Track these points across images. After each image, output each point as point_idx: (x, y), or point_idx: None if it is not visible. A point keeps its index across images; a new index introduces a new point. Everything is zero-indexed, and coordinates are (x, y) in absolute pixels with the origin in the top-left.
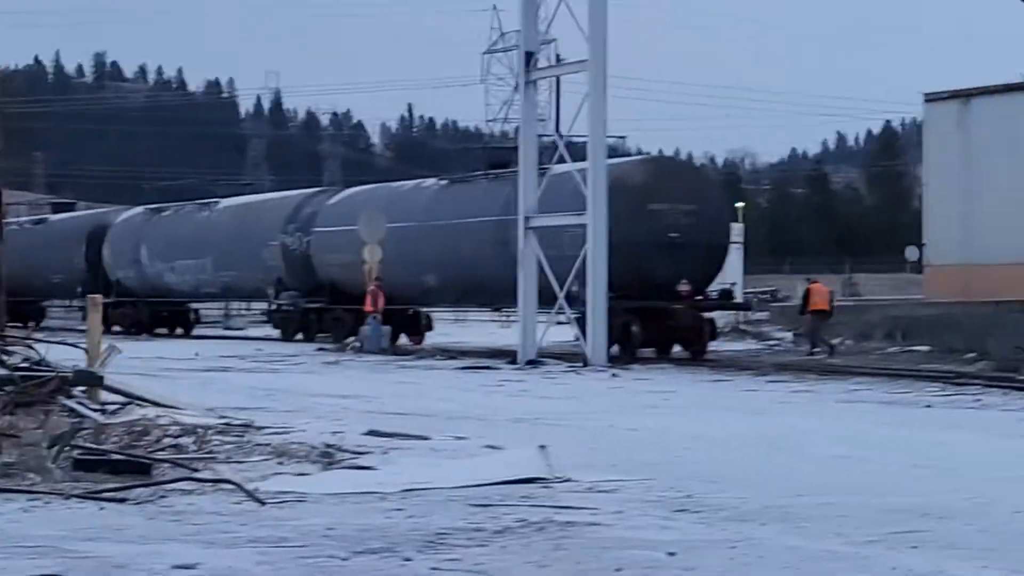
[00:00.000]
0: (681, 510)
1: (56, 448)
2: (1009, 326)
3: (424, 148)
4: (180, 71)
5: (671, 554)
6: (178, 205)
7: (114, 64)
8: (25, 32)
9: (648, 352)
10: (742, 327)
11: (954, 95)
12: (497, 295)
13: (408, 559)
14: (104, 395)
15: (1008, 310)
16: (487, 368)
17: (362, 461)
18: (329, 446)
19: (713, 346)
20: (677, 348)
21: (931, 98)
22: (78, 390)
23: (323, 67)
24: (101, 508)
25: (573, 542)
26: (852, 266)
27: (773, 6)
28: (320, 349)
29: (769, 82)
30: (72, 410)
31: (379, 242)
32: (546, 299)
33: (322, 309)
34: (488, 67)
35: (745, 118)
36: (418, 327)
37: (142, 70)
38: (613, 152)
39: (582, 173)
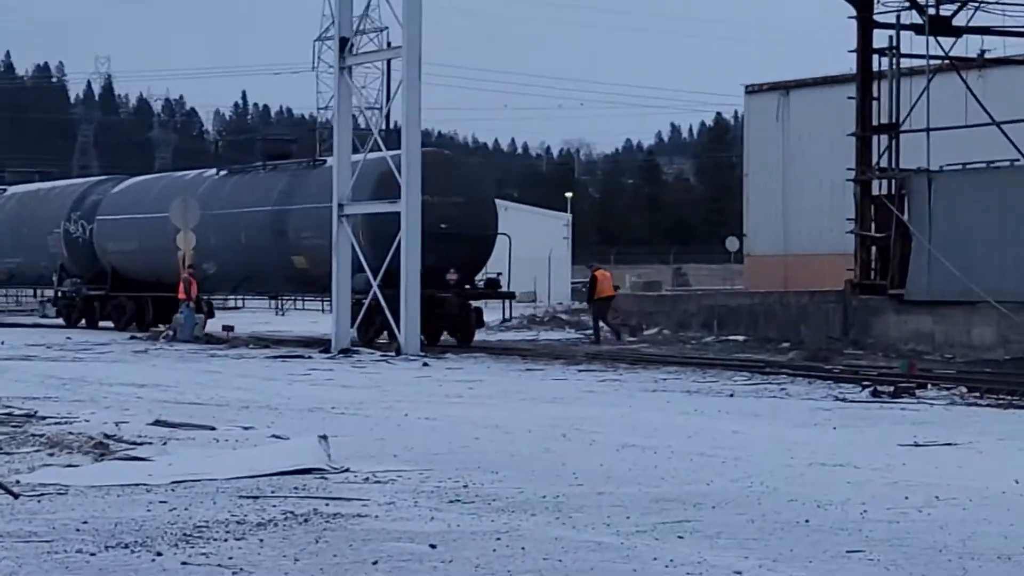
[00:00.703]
0: (454, 501)
1: None
2: (822, 316)
3: (258, 135)
4: (8, 55)
5: (432, 546)
6: None
7: None
8: None
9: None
10: (560, 316)
11: (774, 87)
12: (273, 283)
13: (159, 554)
14: None
15: (822, 300)
16: (298, 357)
17: (138, 452)
18: (108, 437)
19: (531, 335)
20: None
21: (752, 90)
22: None
23: (156, 53)
24: None
25: (335, 535)
26: (676, 256)
27: None
28: (133, 337)
29: (606, 74)
30: None
31: (192, 228)
32: (320, 288)
33: (104, 296)
34: (319, 54)
35: (581, 109)
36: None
37: None
38: (449, 142)
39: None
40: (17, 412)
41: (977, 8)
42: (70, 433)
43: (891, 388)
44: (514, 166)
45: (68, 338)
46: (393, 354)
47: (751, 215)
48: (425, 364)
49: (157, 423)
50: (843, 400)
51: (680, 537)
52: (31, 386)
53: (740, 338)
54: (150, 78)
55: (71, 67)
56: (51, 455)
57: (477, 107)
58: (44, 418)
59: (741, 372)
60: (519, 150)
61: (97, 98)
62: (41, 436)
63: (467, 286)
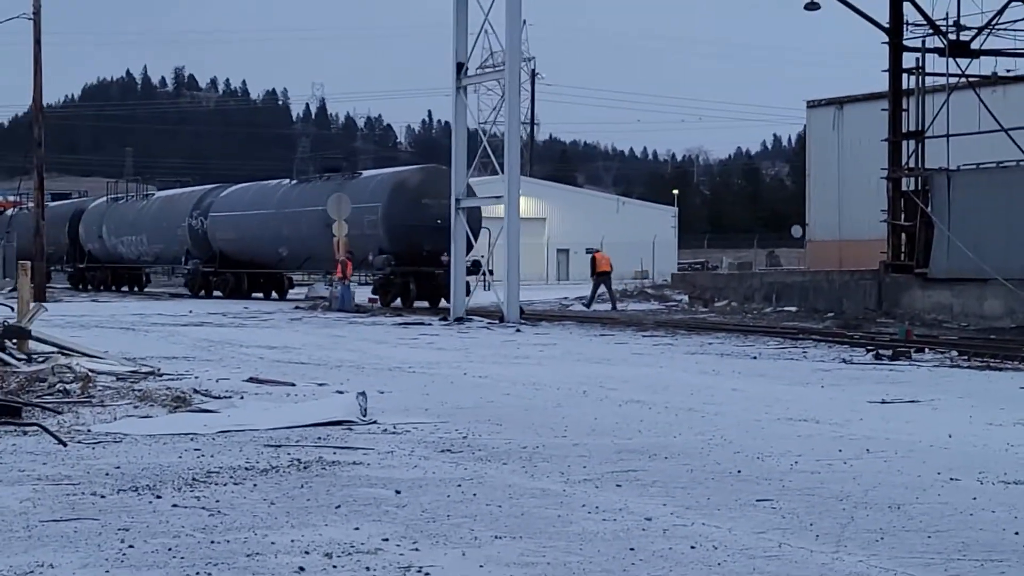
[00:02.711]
0: (444, 450)
1: None
2: (861, 290)
3: (441, 146)
4: (244, 82)
5: (397, 492)
6: (131, 195)
7: (190, 76)
8: (120, 48)
9: (423, 304)
10: (647, 291)
11: (830, 102)
12: (322, 263)
13: (159, 496)
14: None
15: (860, 277)
16: (420, 324)
17: (211, 405)
18: (197, 391)
19: (620, 306)
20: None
21: (812, 104)
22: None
23: (361, 78)
24: None
25: (322, 480)
26: (761, 242)
27: (728, 28)
28: (297, 307)
29: (720, 91)
30: None
31: (345, 219)
32: (353, 267)
33: (214, 272)
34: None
35: (701, 122)
36: (282, 286)
37: (213, 81)
38: (592, 150)
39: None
40: (144, 370)
41: (990, 33)
42: (168, 388)
43: (890, 352)
44: (643, 169)
45: (245, 308)
46: (497, 322)
47: (812, 207)
48: (517, 330)
49: (251, 379)
50: (847, 362)
51: (619, 485)
52: (183, 347)
53: (793, 309)
54: (356, 99)
55: (293, 91)
56: (136, 408)
57: (616, 121)
58: (163, 375)
59: (776, 338)
60: (649, 156)
61: (313, 116)
62: (140, 391)
63: None
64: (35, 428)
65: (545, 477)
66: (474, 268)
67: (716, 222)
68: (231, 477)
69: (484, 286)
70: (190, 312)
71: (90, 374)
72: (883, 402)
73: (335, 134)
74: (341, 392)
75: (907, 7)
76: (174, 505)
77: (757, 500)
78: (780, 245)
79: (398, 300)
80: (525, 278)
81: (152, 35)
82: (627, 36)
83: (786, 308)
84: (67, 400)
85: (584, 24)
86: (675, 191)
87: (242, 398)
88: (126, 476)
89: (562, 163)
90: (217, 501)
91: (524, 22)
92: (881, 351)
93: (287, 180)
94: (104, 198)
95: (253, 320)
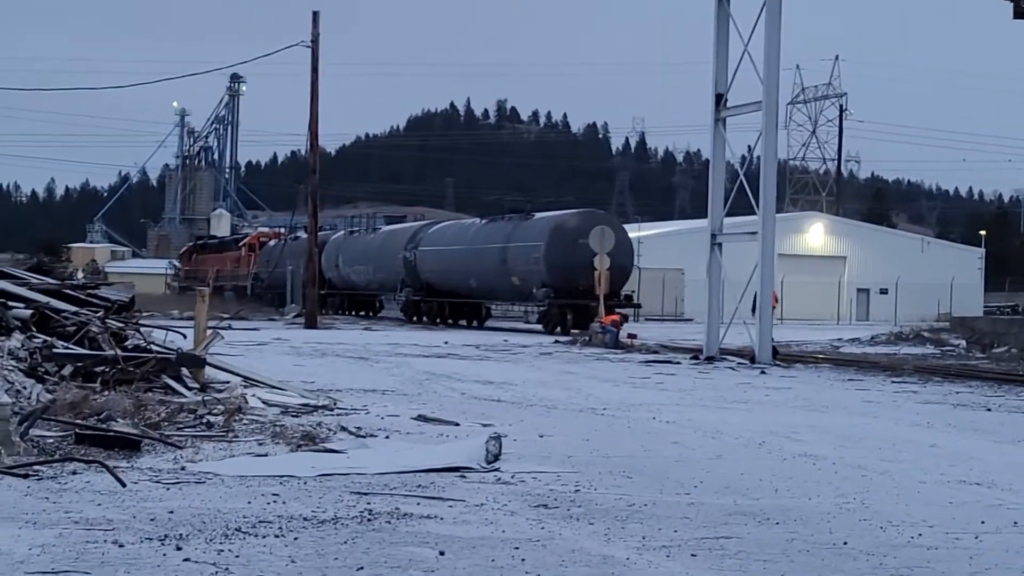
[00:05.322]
0: (541, 505)
1: (26, 423)
2: None
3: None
4: (565, 116)
5: (441, 553)
6: (363, 228)
7: (512, 109)
8: (444, 82)
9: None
10: (924, 333)
11: None
12: (501, 295)
13: (180, 548)
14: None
15: None
16: (667, 362)
17: (343, 444)
18: (344, 428)
19: (893, 349)
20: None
21: None
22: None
23: (680, 112)
24: None
25: (373, 536)
26: None
27: None
28: (556, 341)
29: None
30: (168, 387)
31: (608, 253)
32: (525, 297)
33: (421, 300)
34: (790, 116)
35: None
36: (479, 315)
37: (535, 114)
38: (915, 188)
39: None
40: (320, 403)
41: None
42: (319, 424)
43: None
44: (966, 209)
45: (505, 340)
46: (747, 362)
47: None
48: (763, 372)
49: (419, 417)
50: None
51: (693, 555)
52: (396, 380)
53: None
54: (675, 134)
55: (614, 125)
56: (260, 444)
57: (941, 160)
58: (333, 410)
59: None
60: (975, 196)
61: (632, 150)
62: (281, 426)
63: (615, 299)
64: (123, 460)
65: (621, 541)
66: (626, 301)
67: None
68: (279, 528)
69: (634, 318)
70: (445, 343)
71: (241, 406)
72: None
73: (653, 168)
74: (497, 435)
75: None
76: (186, 559)
77: None
78: None
79: (558, 328)
80: (816, 317)
81: (476, 67)
82: (954, 73)
83: None
84: (202, 434)
85: (910, 61)
86: (982, 232)
87: (387, 437)
88: (171, 523)
89: (876, 201)
90: (237, 556)
91: (837, 57)
92: None
93: (479, 219)
94: (343, 231)
95: (502, 353)
